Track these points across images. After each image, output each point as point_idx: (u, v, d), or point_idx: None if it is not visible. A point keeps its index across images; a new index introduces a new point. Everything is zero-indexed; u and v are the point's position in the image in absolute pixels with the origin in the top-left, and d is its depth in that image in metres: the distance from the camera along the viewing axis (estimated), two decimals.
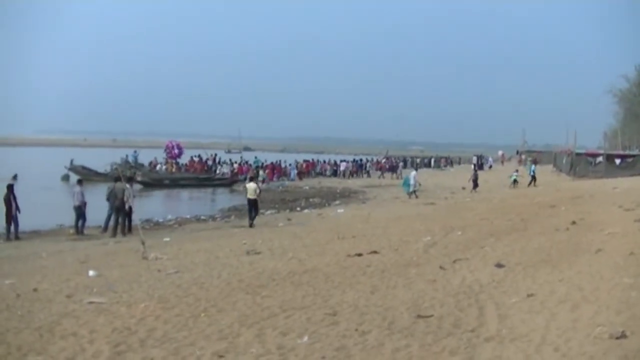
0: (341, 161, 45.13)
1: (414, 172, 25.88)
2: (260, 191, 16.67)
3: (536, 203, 18.77)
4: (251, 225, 15.77)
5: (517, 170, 31.24)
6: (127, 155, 40.07)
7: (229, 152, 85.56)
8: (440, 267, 8.67)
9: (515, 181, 29.23)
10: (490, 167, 51.07)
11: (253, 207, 16.14)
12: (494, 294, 6.94)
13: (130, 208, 14.18)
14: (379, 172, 43.35)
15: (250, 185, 16.47)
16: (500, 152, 56.60)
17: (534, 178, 29.80)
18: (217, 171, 37.87)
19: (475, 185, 27.86)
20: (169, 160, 40.31)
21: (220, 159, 43.02)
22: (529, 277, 7.69)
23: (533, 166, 31.74)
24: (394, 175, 41.33)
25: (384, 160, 53.57)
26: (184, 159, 41.62)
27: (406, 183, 26.24)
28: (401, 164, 47.27)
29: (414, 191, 24.47)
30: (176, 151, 41.09)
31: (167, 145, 41.85)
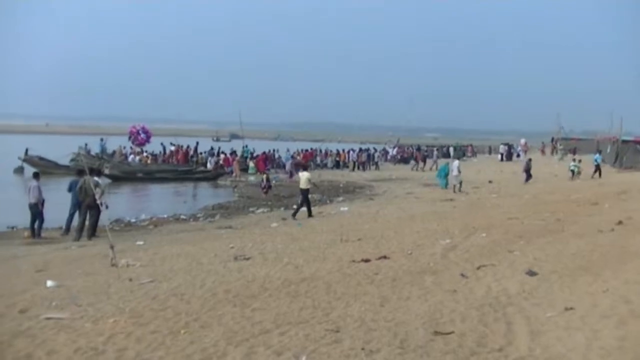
0: (350, 150, 45.17)
1: (456, 162, 25.86)
2: (311, 181, 18.84)
3: (574, 199, 18.77)
4: (310, 215, 17.90)
5: (577, 160, 30.96)
6: (86, 145, 39.98)
7: (217, 140, 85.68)
8: (462, 275, 8.67)
9: (573, 172, 29.08)
10: (519, 156, 51.26)
11: (305, 198, 18.19)
12: (525, 307, 6.93)
13: (102, 205, 14.04)
14: (414, 163, 43.26)
15: (304, 175, 18.66)
16: (522, 141, 56.75)
17: (598, 168, 29.66)
18: (209, 164, 37.57)
19: (529, 176, 27.81)
20: (134, 149, 40.09)
21: (210, 147, 42.87)
22: (567, 287, 7.67)
23: (597, 155, 31.66)
24: (424, 165, 41.47)
25: (395, 150, 53.63)
26: (156, 147, 41.38)
27: (441, 175, 26.25)
28: (435, 152, 47.61)
29: (460, 183, 24.49)
30: (142, 136, 40.69)
31: (131, 130, 41.39)
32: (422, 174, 37.45)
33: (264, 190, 25.22)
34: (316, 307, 7.21)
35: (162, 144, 41.85)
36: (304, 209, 18.08)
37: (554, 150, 55.80)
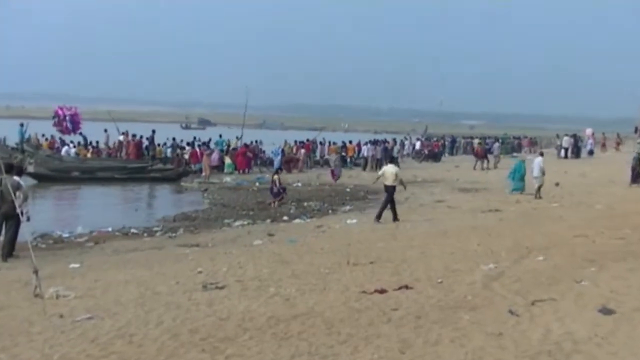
0: (362, 142, 45.15)
1: (539, 159, 25.90)
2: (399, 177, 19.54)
3: None
4: (395, 219, 19.08)
5: None
6: None
7: (187, 127, 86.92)
8: (510, 312, 8.68)
9: None
10: (591, 152, 51.18)
11: (392, 197, 19.35)
12: (598, 356, 6.95)
13: (23, 215, 14.00)
14: (475, 159, 43.10)
15: (389, 169, 19.66)
16: (589, 130, 56.70)
17: None
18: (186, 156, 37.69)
19: (636, 175, 27.74)
20: (46, 141, 39.93)
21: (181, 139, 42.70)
22: None
23: None
24: (487, 163, 41.52)
25: (419, 142, 53.73)
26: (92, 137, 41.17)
27: (516, 176, 26.28)
28: (497, 144, 47.69)
29: (539, 187, 24.57)
30: (68, 125, 40.34)
31: (57, 112, 40.80)
32: (454, 174, 37.41)
33: (279, 198, 24.33)
34: (313, 353, 7.22)
35: (81, 133, 41.12)
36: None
37: (619, 144, 55.89)
